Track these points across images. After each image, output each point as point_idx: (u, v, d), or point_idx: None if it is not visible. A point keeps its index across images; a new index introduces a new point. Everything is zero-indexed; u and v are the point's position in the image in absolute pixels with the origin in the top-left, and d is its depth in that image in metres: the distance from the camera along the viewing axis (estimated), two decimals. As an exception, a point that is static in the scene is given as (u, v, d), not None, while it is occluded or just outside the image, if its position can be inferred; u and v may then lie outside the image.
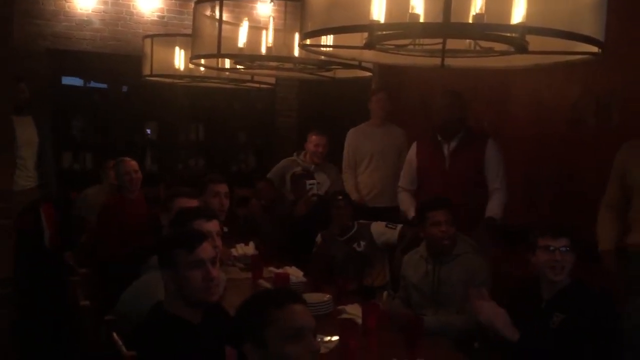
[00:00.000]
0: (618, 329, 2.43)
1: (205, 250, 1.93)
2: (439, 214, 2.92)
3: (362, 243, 3.72)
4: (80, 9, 5.82)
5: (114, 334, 1.94)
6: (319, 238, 3.87)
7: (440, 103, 3.71)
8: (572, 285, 2.41)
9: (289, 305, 1.59)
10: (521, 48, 1.79)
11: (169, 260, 1.92)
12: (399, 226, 3.66)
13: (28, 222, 4.07)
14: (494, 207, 3.53)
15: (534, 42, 1.82)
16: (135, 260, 2.53)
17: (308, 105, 6.60)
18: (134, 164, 4.14)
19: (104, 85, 6.01)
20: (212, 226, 2.46)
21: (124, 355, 1.82)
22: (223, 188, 3.43)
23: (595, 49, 1.82)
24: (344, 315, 2.72)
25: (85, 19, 5.84)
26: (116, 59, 5.80)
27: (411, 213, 3.84)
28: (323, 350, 2.21)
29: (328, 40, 2.22)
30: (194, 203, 2.90)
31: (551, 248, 2.38)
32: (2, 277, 2.77)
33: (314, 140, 4.71)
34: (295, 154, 4.91)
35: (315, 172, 4.51)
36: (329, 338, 2.37)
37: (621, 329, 2.44)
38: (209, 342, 1.96)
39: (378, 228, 3.74)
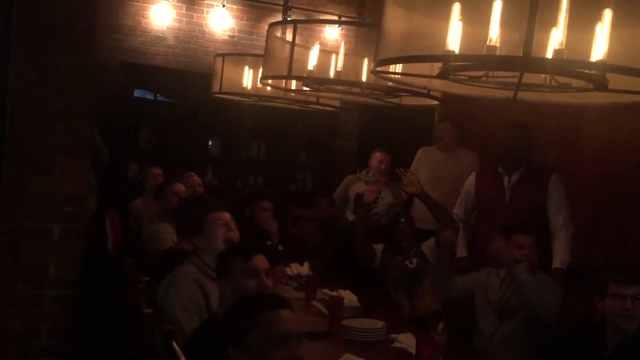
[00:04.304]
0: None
1: (261, 260, 2.01)
2: (524, 238, 2.95)
3: (414, 260, 3.77)
4: (156, 26, 6.06)
5: (174, 344, 1.98)
6: (379, 252, 3.90)
7: (507, 134, 3.69)
8: (639, 334, 2.32)
9: (275, 311, 1.61)
10: (601, 86, 1.76)
11: (226, 270, 1.99)
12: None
13: (93, 228, 4.21)
14: (561, 254, 3.43)
15: (613, 80, 1.78)
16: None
17: (368, 129, 6.62)
18: (180, 186, 4.20)
19: (172, 100, 6.21)
20: None
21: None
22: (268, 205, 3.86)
23: (678, 90, 1.77)
24: (396, 344, 2.69)
25: (160, 35, 6.08)
26: (186, 75, 6.00)
27: (461, 252, 3.81)
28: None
29: (397, 67, 2.23)
30: None
31: (623, 296, 2.30)
32: (70, 278, 2.88)
33: (377, 157, 4.78)
34: (358, 171, 4.96)
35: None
36: (382, 366, 2.36)
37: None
38: None
39: (429, 245, 3.78)
